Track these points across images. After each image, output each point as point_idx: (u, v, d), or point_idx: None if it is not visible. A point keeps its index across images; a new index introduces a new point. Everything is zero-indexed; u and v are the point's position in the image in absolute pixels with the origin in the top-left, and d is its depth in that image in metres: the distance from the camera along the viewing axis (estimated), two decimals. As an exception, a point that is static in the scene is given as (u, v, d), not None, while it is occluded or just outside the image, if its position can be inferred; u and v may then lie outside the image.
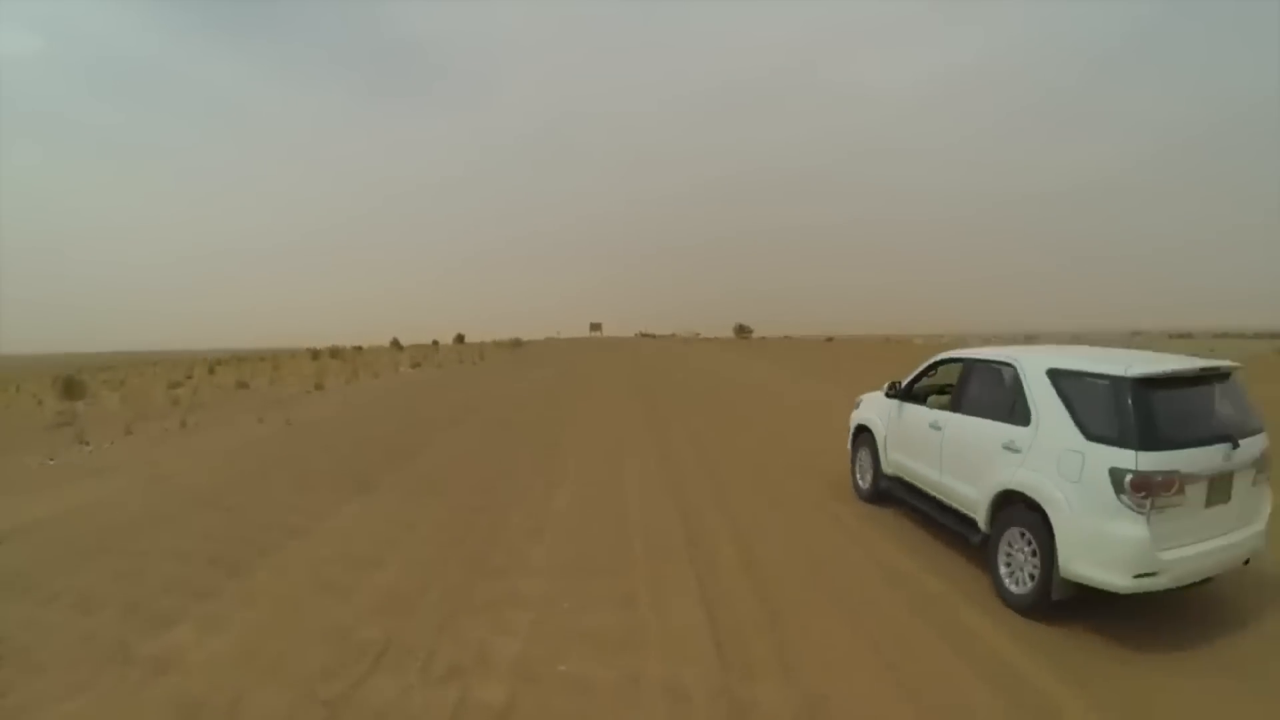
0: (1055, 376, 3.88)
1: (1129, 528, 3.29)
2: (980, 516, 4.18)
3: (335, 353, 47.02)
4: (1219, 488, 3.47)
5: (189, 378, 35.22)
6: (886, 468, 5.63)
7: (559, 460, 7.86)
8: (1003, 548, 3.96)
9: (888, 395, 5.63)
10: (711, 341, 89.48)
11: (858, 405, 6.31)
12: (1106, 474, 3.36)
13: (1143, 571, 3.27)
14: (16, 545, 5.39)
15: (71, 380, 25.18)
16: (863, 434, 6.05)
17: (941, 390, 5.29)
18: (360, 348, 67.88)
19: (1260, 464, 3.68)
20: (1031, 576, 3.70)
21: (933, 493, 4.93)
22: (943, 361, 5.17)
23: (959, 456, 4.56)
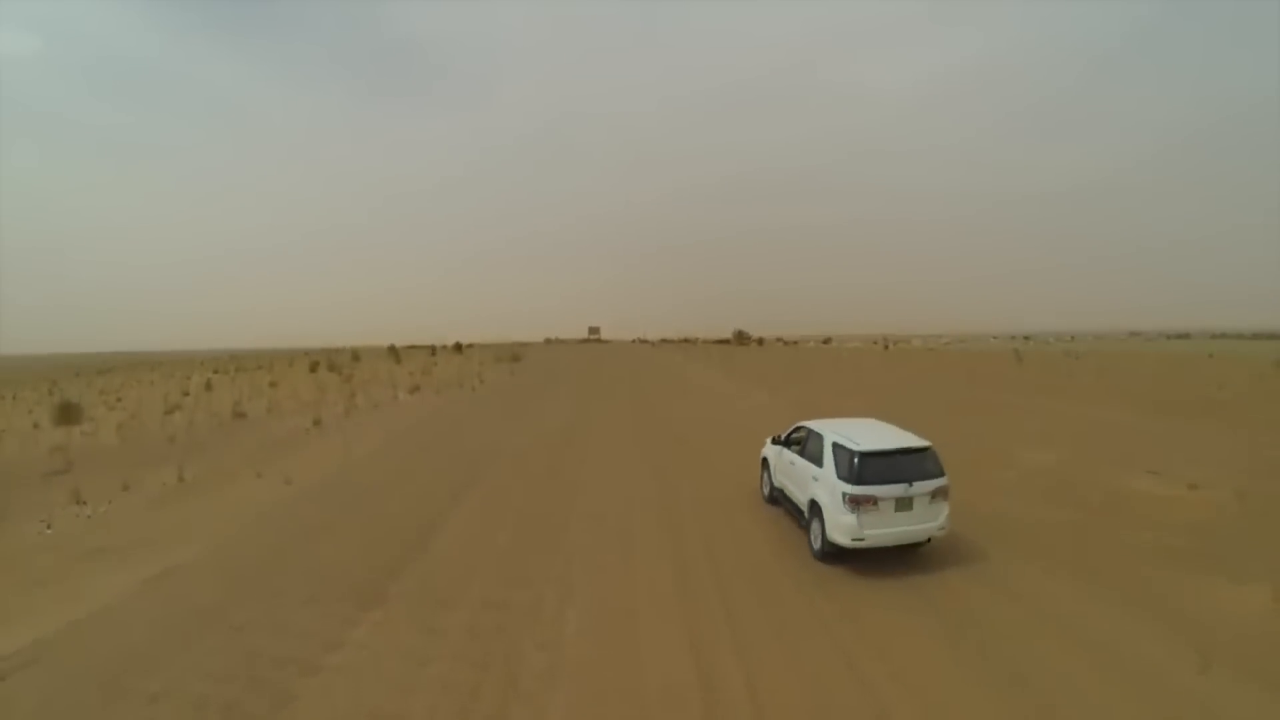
0: (834, 445, 7.54)
1: (849, 518, 6.95)
2: (805, 511, 8.07)
3: (334, 366, 46.76)
4: (903, 504, 6.98)
5: (186, 395, 34.97)
6: (775, 483, 9.66)
7: (566, 557, 7.81)
8: (812, 527, 7.68)
9: (773, 443, 9.72)
10: (710, 349, 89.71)
11: (765, 445, 10.09)
12: (841, 494, 7.06)
13: (856, 539, 6.92)
14: (22, 683, 5.27)
15: (67, 405, 24.96)
16: (765, 463, 10.06)
17: (798, 442, 8.74)
18: (358, 356, 67.63)
19: (935, 493, 7.07)
20: (819, 540, 7.39)
21: (791, 498, 8.87)
22: (799, 428, 8.88)
23: (799, 479, 8.40)
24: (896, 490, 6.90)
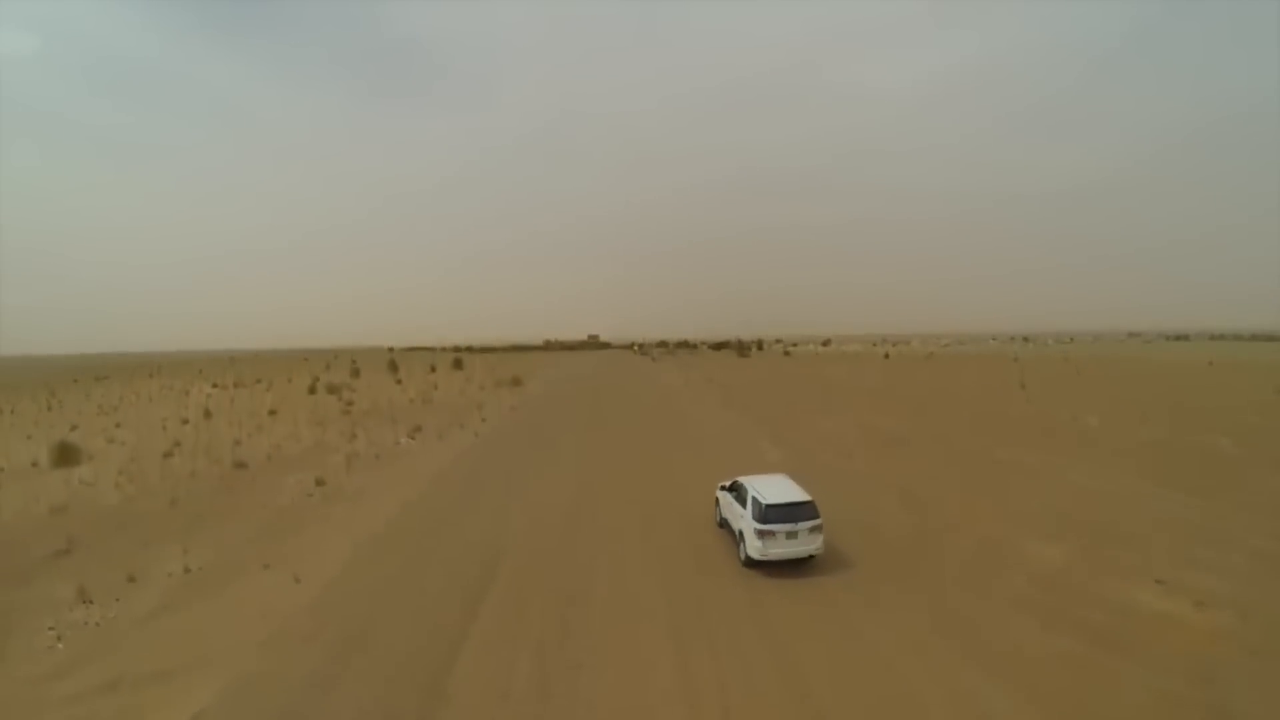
0: (752, 497, 12.08)
1: (758, 543, 11.53)
2: (736, 535, 12.73)
3: (333, 387, 46.63)
4: (791, 534, 11.45)
5: (185, 422, 34.92)
6: (722, 515, 13.97)
7: (584, 698, 7.93)
8: (740, 545, 12.38)
9: (721, 489, 14.20)
10: (710, 364, 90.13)
11: (718, 489, 14.40)
12: (755, 529, 11.60)
13: (762, 555, 11.51)
14: None
15: (66, 446, 24.98)
16: (717, 501, 14.42)
17: (735, 489, 13.17)
18: (357, 370, 67.64)
19: (813, 528, 11.52)
20: (743, 555, 12.11)
21: (731, 524, 13.19)
22: (735, 480, 13.42)
23: (734, 514, 12.87)
24: (787, 526, 11.38)
